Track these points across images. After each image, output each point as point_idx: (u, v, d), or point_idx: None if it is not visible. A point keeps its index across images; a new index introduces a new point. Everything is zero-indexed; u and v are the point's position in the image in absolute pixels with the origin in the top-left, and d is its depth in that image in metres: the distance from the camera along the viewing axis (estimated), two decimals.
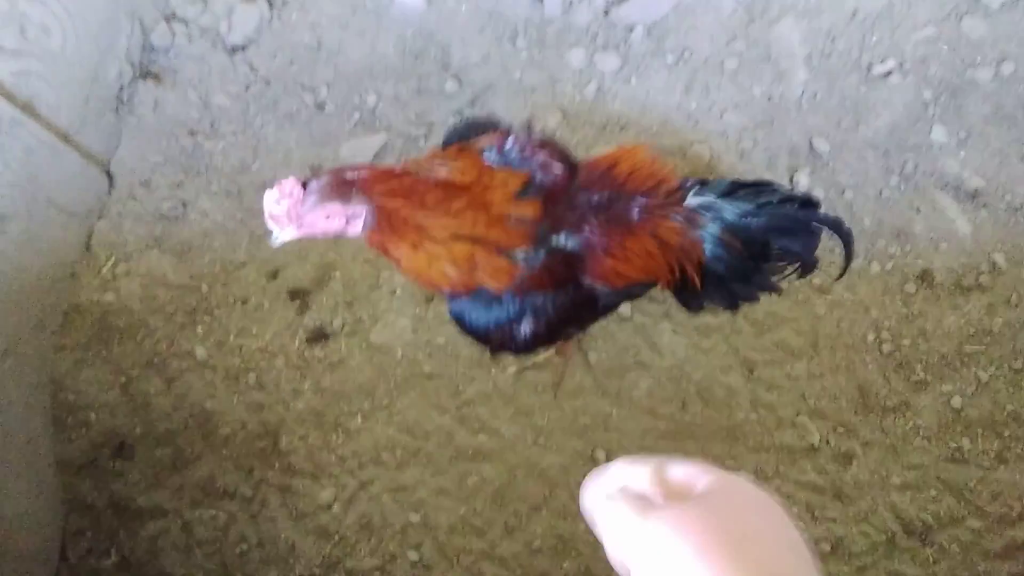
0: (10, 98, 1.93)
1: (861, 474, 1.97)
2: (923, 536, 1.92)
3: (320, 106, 2.39)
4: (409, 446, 2.09)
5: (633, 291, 1.57)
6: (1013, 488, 1.94)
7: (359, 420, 2.12)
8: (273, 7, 2.48)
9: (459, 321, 1.50)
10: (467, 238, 1.32)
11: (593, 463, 2.03)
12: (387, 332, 2.16)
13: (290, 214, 1.24)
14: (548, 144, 1.46)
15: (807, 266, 1.50)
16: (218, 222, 2.28)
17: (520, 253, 1.36)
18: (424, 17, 2.43)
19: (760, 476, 1.98)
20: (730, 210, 1.43)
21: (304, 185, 1.25)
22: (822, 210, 1.48)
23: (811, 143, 2.24)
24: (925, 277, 2.11)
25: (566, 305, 1.46)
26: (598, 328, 2.11)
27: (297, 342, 2.18)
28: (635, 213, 1.43)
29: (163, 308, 2.21)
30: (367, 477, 2.08)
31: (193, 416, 2.15)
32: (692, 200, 1.45)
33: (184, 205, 2.31)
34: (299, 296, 2.21)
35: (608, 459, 2.01)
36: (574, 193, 1.42)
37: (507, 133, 1.46)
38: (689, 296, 1.58)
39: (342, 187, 1.25)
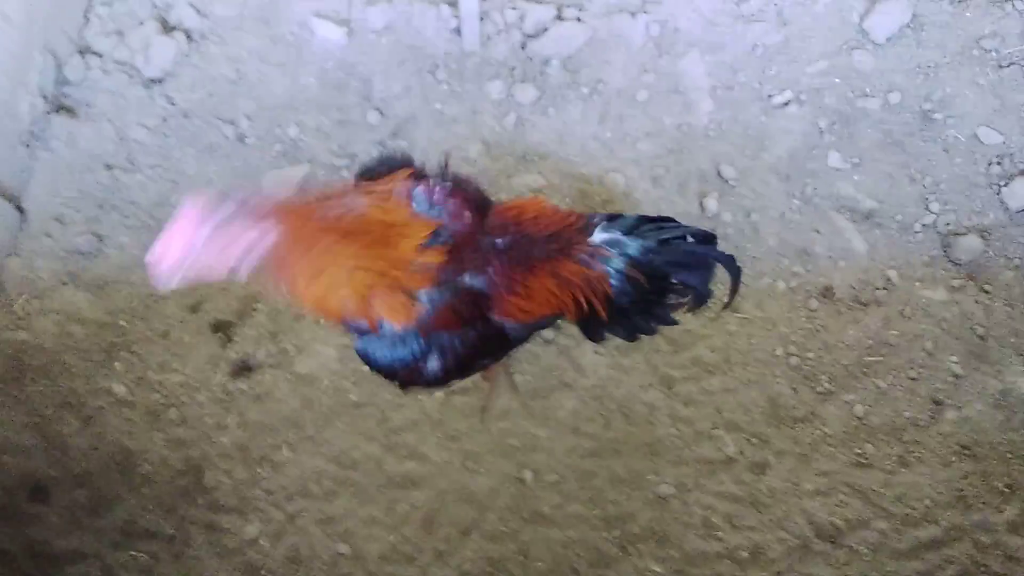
0: None
1: (775, 482, 2.06)
2: (834, 539, 2.02)
3: (241, 138, 2.39)
4: (337, 476, 2.09)
5: (542, 324, 1.62)
6: (915, 490, 2.06)
7: (286, 452, 2.10)
8: (191, 40, 2.49)
9: (364, 358, 1.51)
10: (370, 270, 1.35)
11: (522, 485, 2.07)
12: (313, 362, 2.17)
13: (187, 246, 1.18)
14: (461, 190, 1.50)
15: (701, 298, 1.57)
16: (136, 256, 2.25)
17: (424, 294, 1.39)
18: (345, 50, 2.47)
19: (681, 488, 2.05)
20: (634, 246, 1.50)
21: (208, 208, 1.20)
22: (718, 245, 1.57)
23: (718, 169, 2.36)
24: (827, 293, 2.24)
25: (475, 342, 1.50)
26: (523, 351, 2.16)
27: (220, 375, 2.15)
28: (537, 254, 1.49)
29: (79, 345, 2.17)
30: (295, 509, 2.06)
31: (112, 455, 2.10)
32: (598, 236, 1.51)
33: (100, 240, 2.27)
34: (222, 329, 2.20)
35: (536, 479, 2.07)
36: (481, 237, 1.48)
37: (419, 174, 1.49)
38: (592, 327, 1.64)
39: (249, 210, 1.24)
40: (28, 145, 2.32)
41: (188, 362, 2.16)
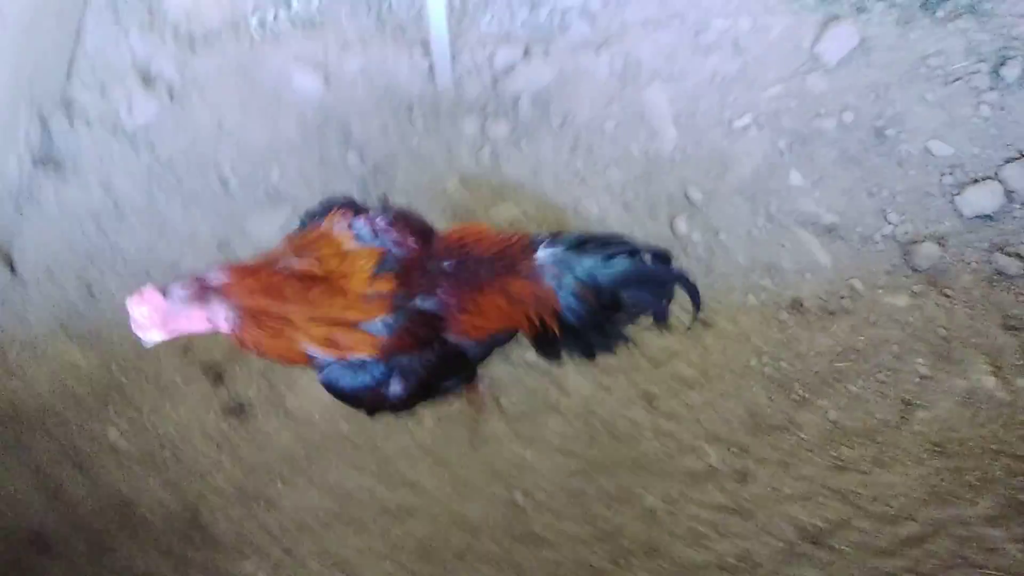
0: None
1: (758, 489, 2.13)
2: (818, 540, 2.09)
3: (224, 184, 2.47)
4: (332, 509, 2.14)
5: (498, 340, 1.66)
6: (892, 489, 2.14)
7: (281, 488, 2.15)
8: (172, 93, 2.57)
9: (329, 388, 1.55)
10: (324, 320, 1.41)
11: (514, 507, 2.12)
12: (303, 398, 2.22)
13: (153, 320, 1.31)
14: (402, 219, 1.57)
15: (659, 316, 1.61)
16: (125, 304, 2.30)
17: (379, 321, 1.45)
18: (323, 96, 2.57)
19: (668, 501, 2.12)
20: (579, 263, 1.55)
21: (164, 293, 1.32)
22: (673, 263, 1.61)
23: (686, 192, 2.47)
24: (796, 305, 2.34)
25: (434, 362, 1.55)
26: (507, 375, 2.23)
27: (213, 416, 2.20)
28: (484, 274, 1.54)
29: (73, 394, 2.21)
30: (292, 544, 2.10)
31: (109, 501, 2.14)
32: (542, 254, 1.57)
33: (90, 291, 2.32)
34: (213, 370, 2.25)
35: (527, 500, 2.12)
36: (427, 261, 1.53)
37: (359, 209, 1.55)
38: (547, 346, 1.68)
39: (202, 293, 1.33)
40: (16, 201, 2.37)
41: (181, 404, 2.21)
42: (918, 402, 2.21)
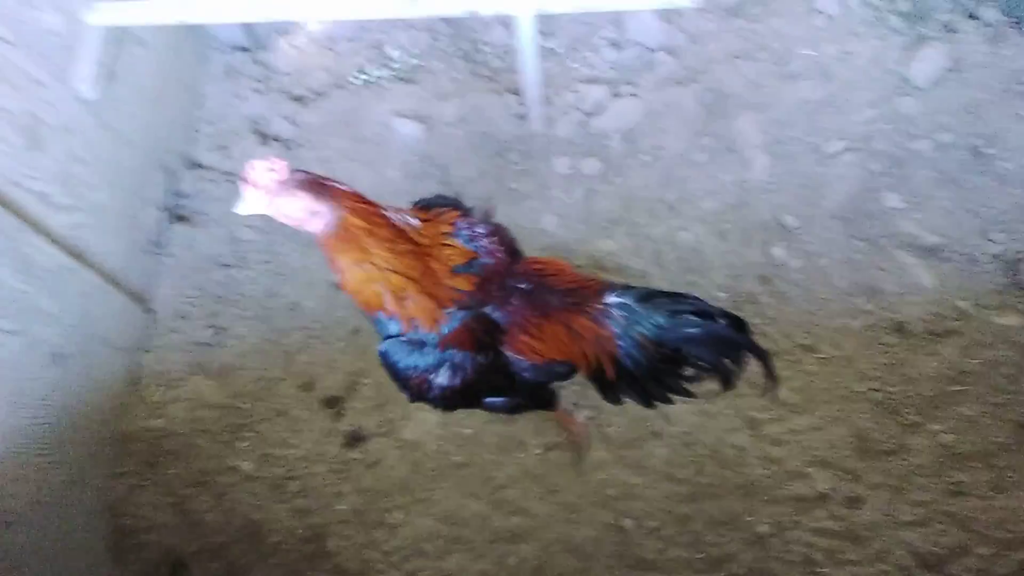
0: (66, 248, 2.16)
1: (871, 516, 2.12)
2: (937, 568, 2.05)
3: None
4: (448, 534, 2.22)
5: (553, 369, 1.71)
6: (1013, 514, 2.09)
7: (400, 515, 2.25)
8: (287, 147, 2.77)
9: (384, 359, 1.63)
10: (403, 275, 1.49)
11: (623, 533, 2.17)
12: (418, 428, 2.34)
13: (268, 187, 1.38)
14: (498, 233, 1.67)
15: (724, 376, 1.62)
16: (253, 344, 2.49)
17: (447, 312, 1.55)
18: (423, 143, 2.72)
19: (778, 527, 2.13)
20: (645, 314, 1.59)
21: (289, 172, 1.40)
22: (748, 329, 1.61)
23: (780, 220, 2.50)
24: (900, 328, 2.32)
25: (485, 367, 1.62)
26: (611, 405, 2.29)
27: (335, 447, 2.34)
28: (553, 303, 1.62)
29: (208, 428, 2.38)
30: (412, 568, 2.20)
31: (243, 528, 2.28)
32: (612, 299, 1.61)
33: (220, 332, 2.51)
34: (333, 404, 2.39)
35: (636, 527, 2.17)
36: (507, 277, 1.62)
37: (466, 213, 1.66)
38: (607, 388, 1.72)
39: (319, 188, 1.41)
40: (152, 253, 2.60)
41: (305, 437, 2.35)
42: None
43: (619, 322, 1.61)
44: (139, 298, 2.50)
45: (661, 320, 1.58)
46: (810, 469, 2.19)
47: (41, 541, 2.01)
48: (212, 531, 2.28)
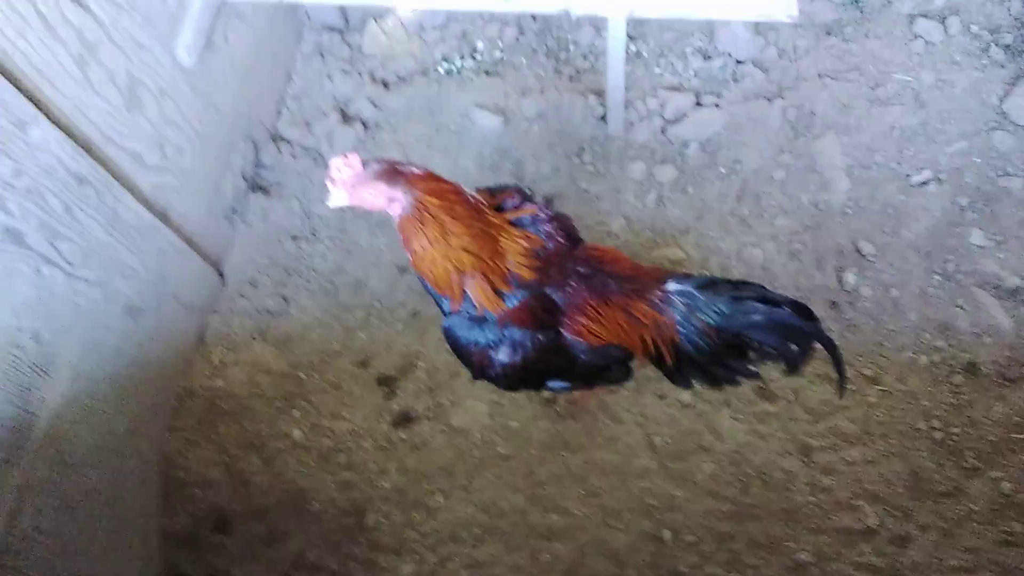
0: (150, 207, 2.25)
1: (918, 556, 2.05)
2: None
3: None
4: (485, 524, 2.24)
5: (610, 353, 1.72)
6: None
7: (439, 499, 2.28)
8: (368, 129, 2.83)
9: (447, 334, 1.69)
10: (474, 254, 1.54)
11: (660, 543, 2.15)
12: (466, 416, 2.36)
13: (346, 182, 1.47)
14: (559, 219, 1.71)
15: (790, 361, 1.63)
16: (316, 317, 2.55)
17: (509, 293, 1.59)
18: (501, 136, 2.75)
19: (820, 557, 2.08)
20: (705, 302, 1.62)
21: (363, 164, 1.48)
22: (815, 317, 1.61)
23: (856, 245, 2.43)
24: (971, 369, 2.24)
25: (544, 346, 1.65)
26: (662, 413, 2.28)
27: (384, 425, 2.38)
28: (613, 288, 1.66)
29: (265, 394, 2.45)
30: (446, 553, 2.23)
31: (287, 493, 2.34)
32: (672, 287, 1.65)
33: (286, 302, 2.58)
34: (386, 383, 2.43)
35: (674, 539, 2.14)
36: (567, 261, 1.66)
37: (528, 198, 1.70)
38: (673, 373, 1.75)
39: (392, 175, 1.48)
40: (229, 219, 2.69)
41: (356, 412, 2.40)
42: None
43: (680, 309, 1.65)
44: (213, 262, 2.59)
45: (723, 307, 1.61)
46: (860, 502, 2.13)
47: (96, 485, 2.10)
48: (258, 493, 2.35)
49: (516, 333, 1.63)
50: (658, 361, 1.73)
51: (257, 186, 2.78)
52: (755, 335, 1.62)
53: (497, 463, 2.30)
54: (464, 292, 1.59)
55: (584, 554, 2.17)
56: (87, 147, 1.98)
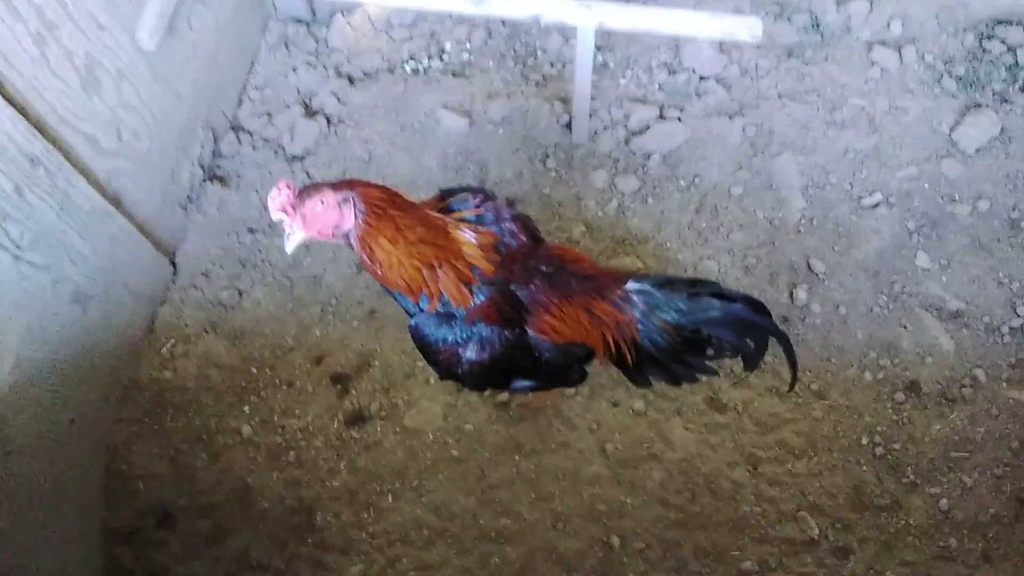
0: (104, 193, 2.19)
1: (858, 568, 2.11)
2: None
3: None
4: (435, 526, 2.23)
5: (572, 352, 1.76)
6: None
7: (390, 499, 2.27)
8: (331, 123, 2.80)
9: (415, 332, 1.69)
10: (431, 243, 1.56)
11: (609, 549, 2.17)
12: (420, 417, 2.35)
13: (290, 205, 1.44)
14: (521, 219, 1.74)
15: (748, 359, 1.71)
16: (270, 311, 2.51)
17: (474, 287, 1.61)
18: (465, 138, 2.74)
19: (764, 566, 2.12)
20: (664, 300, 1.67)
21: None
22: (768, 312, 1.69)
23: (808, 263, 2.50)
24: (913, 388, 2.32)
25: (511, 343, 1.67)
26: (614, 420, 2.30)
27: (336, 423, 2.35)
28: (574, 286, 1.69)
29: (215, 387, 2.41)
30: (395, 554, 2.21)
31: (234, 490, 2.30)
32: (631, 286, 1.69)
33: (240, 294, 2.54)
34: (340, 381, 2.41)
35: (623, 546, 2.17)
36: (529, 260, 1.69)
37: (489, 196, 1.72)
38: (632, 371, 1.79)
39: (331, 184, 1.48)
40: (185, 208, 2.63)
41: (308, 409, 2.37)
42: None
43: (639, 307, 1.69)
44: (166, 251, 2.53)
45: (681, 304, 1.66)
46: (803, 513, 2.18)
47: (38, 475, 2.04)
48: (204, 488, 2.30)
49: (484, 330, 1.65)
50: (619, 360, 1.76)
51: (215, 176, 2.73)
52: (712, 331, 1.67)
53: (449, 465, 2.30)
54: (434, 287, 1.59)
55: (534, 559, 2.18)
56: (41, 128, 1.92)
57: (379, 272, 1.56)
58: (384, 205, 1.51)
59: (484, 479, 2.28)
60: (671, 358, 1.73)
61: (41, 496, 2.04)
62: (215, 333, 2.48)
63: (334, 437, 2.34)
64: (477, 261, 1.62)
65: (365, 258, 1.55)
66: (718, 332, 1.67)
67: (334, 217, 1.50)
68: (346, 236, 1.53)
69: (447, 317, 1.64)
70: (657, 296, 1.68)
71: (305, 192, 1.47)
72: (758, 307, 1.66)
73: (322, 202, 1.47)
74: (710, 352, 1.74)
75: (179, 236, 2.62)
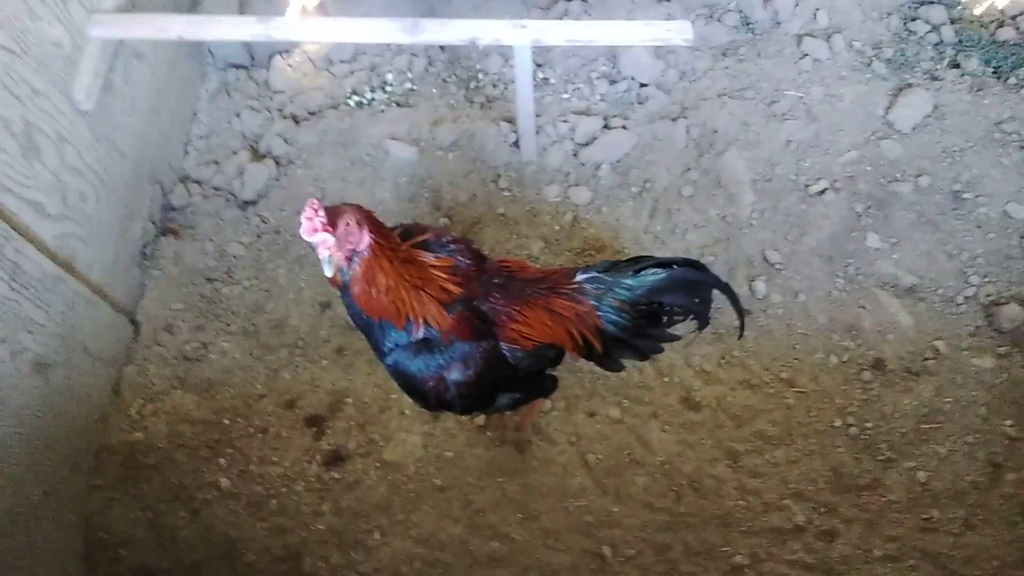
0: (54, 258, 2.16)
1: (845, 549, 2.14)
2: None
3: None
4: (426, 557, 2.22)
5: (544, 354, 1.82)
6: (983, 551, 2.12)
7: (377, 536, 2.25)
8: (280, 165, 2.79)
9: (396, 370, 1.71)
10: (414, 265, 1.62)
11: (601, 559, 2.18)
12: (399, 450, 2.34)
13: (325, 227, 1.43)
14: (462, 241, 1.80)
15: (701, 318, 1.80)
16: (237, 360, 2.48)
17: (446, 305, 1.65)
18: (416, 166, 2.75)
19: (755, 559, 2.14)
20: (615, 281, 1.75)
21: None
22: (706, 268, 1.77)
23: (764, 255, 2.55)
24: (878, 365, 2.37)
25: (489, 354, 1.71)
26: (593, 431, 2.31)
27: (315, 466, 2.33)
28: (529, 291, 1.76)
29: (188, 443, 2.37)
30: None
31: (219, 545, 2.26)
32: (581, 277, 1.77)
33: (205, 346, 2.51)
34: (315, 422, 2.39)
35: (614, 554, 2.17)
36: (481, 276, 1.75)
37: (437, 233, 1.78)
38: (602, 359, 1.86)
39: (343, 206, 1.50)
40: (140, 265, 2.60)
41: (286, 455, 2.34)
42: (1008, 464, 2.20)
43: (593, 295, 1.76)
44: (124, 310, 2.49)
45: (629, 282, 1.74)
46: (787, 501, 2.21)
47: (14, 553, 1.99)
48: (187, 548, 2.26)
49: (463, 346, 1.68)
50: (588, 351, 1.82)
51: (167, 229, 2.70)
52: (664, 298, 1.75)
53: (434, 495, 2.28)
54: (423, 312, 1.62)
55: None
56: None
57: (374, 295, 1.58)
58: (381, 227, 1.57)
59: (470, 505, 2.27)
60: (634, 334, 1.80)
61: (19, 573, 1.98)
62: (183, 388, 2.45)
63: (314, 480, 2.32)
64: (443, 283, 1.66)
65: (365, 282, 1.56)
66: (669, 298, 1.76)
67: (355, 238, 1.51)
68: (350, 258, 1.54)
69: (423, 344, 1.66)
70: (606, 280, 1.76)
71: (332, 213, 1.47)
72: (698, 266, 1.76)
73: (348, 223, 1.48)
74: (665, 320, 1.82)
75: (137, 293, 2.58)
